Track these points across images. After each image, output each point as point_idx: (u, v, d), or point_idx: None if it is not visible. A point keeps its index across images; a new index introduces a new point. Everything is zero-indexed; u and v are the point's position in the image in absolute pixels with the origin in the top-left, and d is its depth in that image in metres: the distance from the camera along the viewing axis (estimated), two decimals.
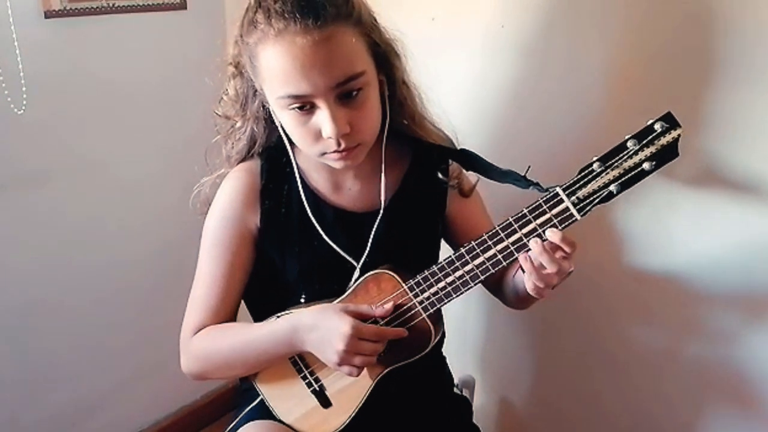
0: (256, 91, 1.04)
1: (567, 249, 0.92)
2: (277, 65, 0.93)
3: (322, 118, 0.95)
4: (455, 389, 1.38)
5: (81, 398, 1.75)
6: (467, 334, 1.63)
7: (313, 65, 0.91)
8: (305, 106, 0.96)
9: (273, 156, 1.13)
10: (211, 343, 1.11)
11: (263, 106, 1.06)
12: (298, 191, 1.12)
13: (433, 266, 1.01)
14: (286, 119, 1.00)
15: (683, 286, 1.25)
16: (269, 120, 1.08)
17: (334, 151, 0.99)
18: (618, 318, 1.37)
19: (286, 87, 0.94)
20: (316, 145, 1.00)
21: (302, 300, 1.12)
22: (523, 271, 1.03)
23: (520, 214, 0.94)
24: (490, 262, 0.97)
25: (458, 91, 1.43)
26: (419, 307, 1.04)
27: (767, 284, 1.16)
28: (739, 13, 1.06)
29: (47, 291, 1.61)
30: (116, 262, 1.71)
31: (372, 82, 0.99)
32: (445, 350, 1.32)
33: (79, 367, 1.72)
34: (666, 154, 0.87)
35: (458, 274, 1.00)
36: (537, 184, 0.97)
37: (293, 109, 0.96)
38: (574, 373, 1.49)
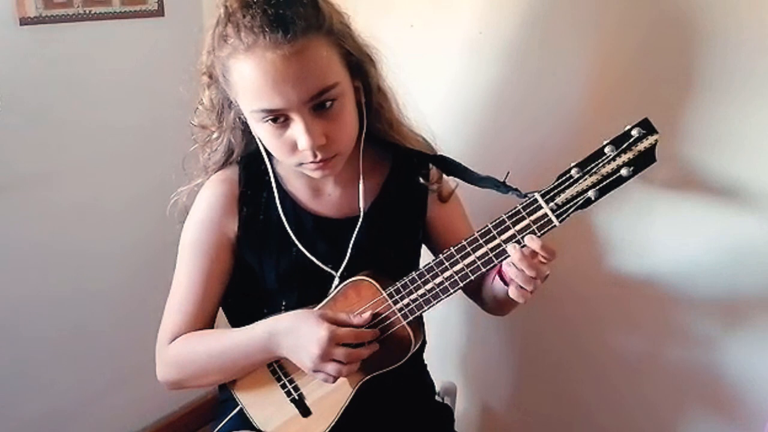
0: (231, 102, 1.03)
1: (547, 256, 0.92)
2: (249, 80, 0.92)
3: (297, 130, 0.95)
4: (437, 397, 1.38)
5: (57, 409, 1.73)
6: (449, 341, 1.63)
7: (285, 80, 0.90)
8: (279, 118, 0.95)
9: (251, 163, 1.12)
10: (188, 350, 1.10)
11: (239, 117, 1.05)
12: (276, 199, 1.11)
13: (413, 273, 1.01)
14: (262, 132, 1.00)
15: (663, 290, 1.26)
16: (246, 129, 1.07)
17: (311, 162, 0.99)
18: (598, 323, 1.37)
19: (259, 101, 0.94)
20: (292, 157, 1.00)
21: (282, 308, 1.11)
22: (502, 280, 1.04)
23: (498, 221, 0.93)
24: (470, 268, 0.97)
25: (437, 96, 1.44)
26: (399, 314, 1.03)
27: (746, 288, 1.18)
28: (719, 19, 1.08)
29: (21, 299, 1.58)
30: (93, 270, 1.70)
31: (346, 91, 0.98)
32: (427, 357, 1.31)
33: (55, 378, 1.70)
34: (643, 160, 0.87)
35: (438, 281, 0.99)
36: (516, 190, 0.97)
37: (267, 122, 0.96)
38: (556, 379, 1.49)
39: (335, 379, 1.01)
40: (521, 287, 0.94)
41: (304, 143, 0.95)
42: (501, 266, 1.02)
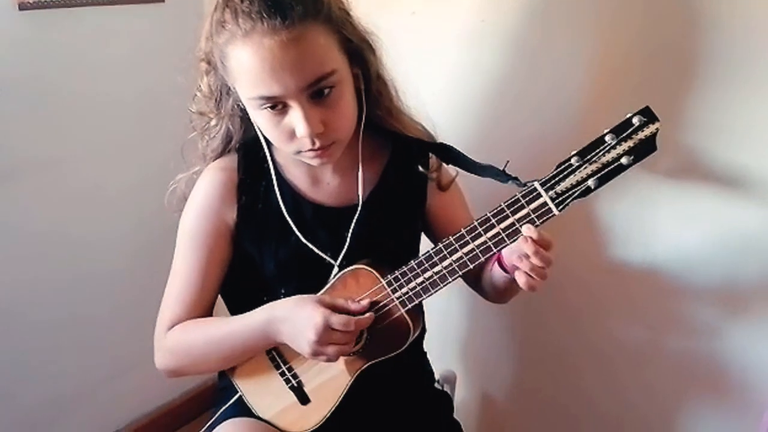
0: (229, 88, 1.03)
1: (543, 247, 0.91)
2: (247, 67, 0.92)
3: (295, 117, 0.94)
4: (436, 385, 1.38)
5: (57, 397, 1.73)
6: (449, 328, 1.63)
7: (283, 67, 0.90)
8: (277, 105, 0.95)
9: (250, 151, 1.12)
10: (187, 337, 1.10)
11: (238, 104, 1.05)
12: (275, 187, 1.11)
13: (412, 261, 1.01)
14: (260, 119, 1.00)
15: (666, 278, 1.26)
16: (245, 116, 1.07)
17: (309, 150, 0.98)
18: (601, 311, 1.37)
19: (257, 88, 0.93)
20: (290, 144, 0.99)
21: (281, 296, 1.10)
22: (502, 268, 1.03)
23: (497, 209, 0.93)
24: (468, 257, 0.96)
25: (438, 84, 1.43)
26: (397, 303, 1.03)
27: (747, 277, 1.18)
28: (721, 9, 1.07)
29: (20, 287, 1.58)
30: (92, 258, 1.69)
31: (345, 79, 0.98)
32: (427, 345, 1.32)
33: (55, 365, 1.70)
34: (644, 149, 0.86)
35: (437, 269, 0.99)
36: (516, 179, 0.97)
37: (265, 109, 0.96)
38: (556, 367, 1.50)
39: (336, 358, 1.02)
40: (531, 277, 0.94)
41: (302, 131, 0.94)
42: (500, 255, 1.02)
